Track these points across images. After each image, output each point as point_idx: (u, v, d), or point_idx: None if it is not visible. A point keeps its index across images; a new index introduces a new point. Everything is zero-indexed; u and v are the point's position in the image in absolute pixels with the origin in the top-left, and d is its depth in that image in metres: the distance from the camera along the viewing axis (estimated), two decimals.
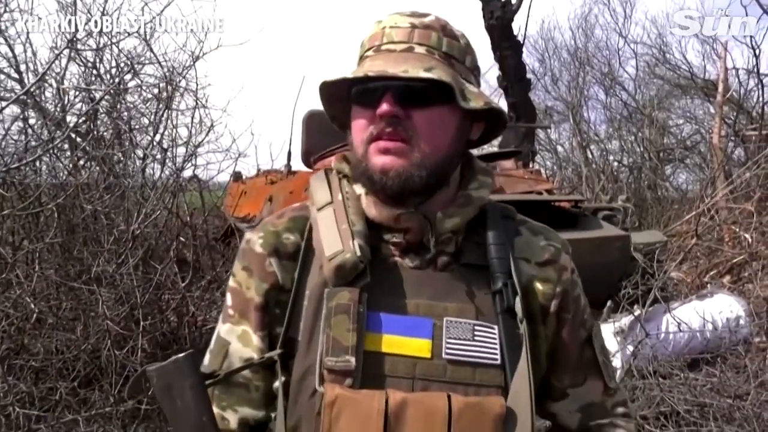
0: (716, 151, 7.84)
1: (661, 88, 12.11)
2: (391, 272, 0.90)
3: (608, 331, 3.72)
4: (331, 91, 0.94)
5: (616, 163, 10.81)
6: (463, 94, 0.87)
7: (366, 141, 0.88)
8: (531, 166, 6.90)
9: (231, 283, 0.96)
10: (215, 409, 0.92)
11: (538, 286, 0.95)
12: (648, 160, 10.07)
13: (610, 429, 0.98)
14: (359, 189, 0.94)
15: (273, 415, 0.92)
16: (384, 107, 0.85)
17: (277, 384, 0.90)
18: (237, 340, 0.94)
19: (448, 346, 0.86)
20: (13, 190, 3.46)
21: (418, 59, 0.87)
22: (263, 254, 0.93)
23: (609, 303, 4.20)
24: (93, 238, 3.66)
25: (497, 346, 0.87)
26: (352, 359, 0.83)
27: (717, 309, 4.20)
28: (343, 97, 0.94)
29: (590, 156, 10.73)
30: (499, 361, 0.86)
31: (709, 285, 5.47)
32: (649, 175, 9.93)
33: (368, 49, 0.92)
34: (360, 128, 0.90)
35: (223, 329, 0.96)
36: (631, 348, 3.50)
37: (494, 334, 0.87)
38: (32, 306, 3.04)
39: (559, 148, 12.40)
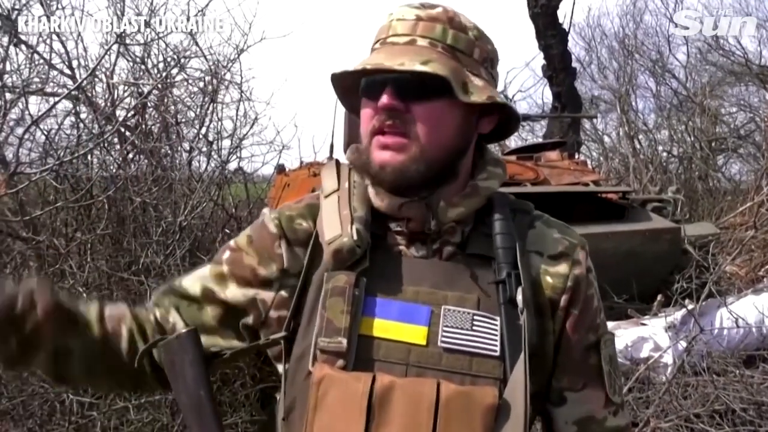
0: None
1: (713, 75, 11.71)
2: (393, 260, 0.91)
3: (659, 326, 3.62)
4: (345, 83, 0.95)
5: (665, 154, 10.50)
6: (466, 88, 0.87)
7: (370, 133, 0.90)
8: (577, 156, 6.75)
9: (231, 242, 1.00)
10: (158, 312, 0.98)
11: (548, 279, 0.92)
12: (699, 150, 9.75)
13: None
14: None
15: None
16: (383, 100, 0.87)
17: (281, 368, 0.92)
18: (211, 276, 0.97)
19: (445, 334, 0.85)
20: (66, 183, 3.56)
21: (418, 52, 0.87)
22: (276, 234, 0.96)
23: (659, 297, 4.09)
24: (142, 229, 3.73)
25: (497, 338, 0.85)
26: (344, 341, 0.84)
27: None
28: (357, 90, 0.95)
29: (638, 146, 10.43)
30: (498, 353, 0.85)
31: (765, 279, 5.29)
32: (700, 165, 9.62)
33: (376, 42, 0.93)
34: (365, 119, 0.92)
35: (202, 268, 1.00)
36: (683, 343, 3.39)
37: (495, 325, 0.86)
38: (85, 296, 3.12)
39: (606, 139, 12.13)
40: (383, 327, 0.86)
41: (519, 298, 0.85)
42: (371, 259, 0.89)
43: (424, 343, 0.85)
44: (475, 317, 0.86)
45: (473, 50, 0.91)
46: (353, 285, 0.86)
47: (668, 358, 3.42)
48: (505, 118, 0.96)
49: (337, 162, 1.00)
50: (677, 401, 3.08)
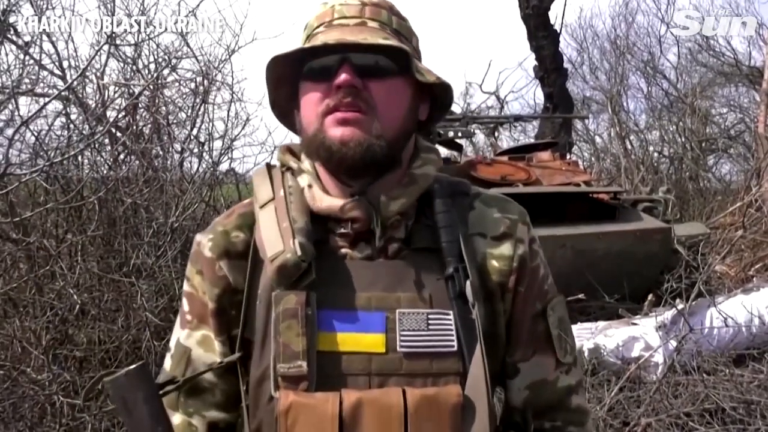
0: (762, 141, 7.62)
1: (704, 75, 11.80)
2: (339, 266, 0.88)
3: (650, 325, 3.64)
4: (278, 72, 0.90)
5: (656, 154, 10.56)
6: (417, 68, 0.87)
7: (321, 114, 0.85)
8: (568, 157, 6.78)
9: (186, 287, 0.94)
10: (181, 416, 0.91)
11: (494, 263, 0.91)
12: (690, 151, 9.81)
13: None
14: (303, 181, 0.91)
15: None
16: (343, 77, 0.83)
17: (243, 386, 0.89)
18: (198, 345, 0.92)
19: (403, 338, 0.84)
20: (56, 184, 3.54)
21: (373, 31, 0.87)
22: (213, 258, 0.91)
23: (650, 296, 4.11)
24: (133, 230, 3.72)
25: (453, 333, 0.85)
26: (304, 364, 0.81)
27: (764, 303, 4.07)
28: (290, 79, 0.91)
29: (629, 147, 10.48)
30: (455, 348, 0.84)
31: (754, 278, 5.32)
32: (690, 165, 9.67)
33: (318, 26, 0.91)
34: (314, 102, 0.86)
35: (182, 335, 0.94)
36: (674, 343, 3.41)
37: (449, 320, 0.85)
38: (75, 297, 3.11)
39: (597, 139, 12.18)
40: (341, 340, 0.84)
41: (468, 292, 0.85)
42: (317, 268, 0.85)
43: (383, 350, 0.84)
44: (430, 316, 0.85)
45: (412, 38, 0.93)
46: (305, 305, 0.83)
47: (659, 358, 3.43)
48: (434, 108, 0.96)
49: (269, 166, 0.96)
50: (668, 400, 3.09)
